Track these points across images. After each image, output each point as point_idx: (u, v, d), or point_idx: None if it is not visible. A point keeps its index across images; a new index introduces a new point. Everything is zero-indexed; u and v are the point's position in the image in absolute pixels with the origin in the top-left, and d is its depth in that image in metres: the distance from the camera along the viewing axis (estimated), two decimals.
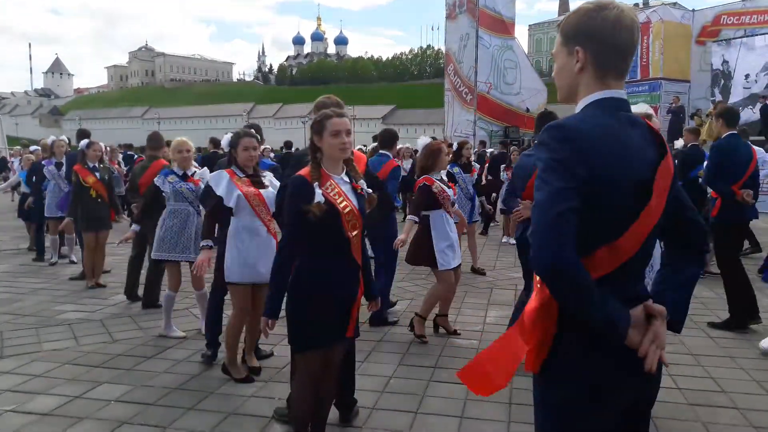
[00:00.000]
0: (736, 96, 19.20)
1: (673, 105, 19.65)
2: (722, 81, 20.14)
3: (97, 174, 7.68)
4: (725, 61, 20.01)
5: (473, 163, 9.23)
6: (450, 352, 5.28)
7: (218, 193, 4.39)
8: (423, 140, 6.02)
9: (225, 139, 4.63)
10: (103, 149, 7.99)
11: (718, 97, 19.77)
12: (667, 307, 1.74)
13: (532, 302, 1.78)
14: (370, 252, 9.16)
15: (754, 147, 6.72)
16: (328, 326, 3.07)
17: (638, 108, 3.57)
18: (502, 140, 19.31)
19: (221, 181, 4.43)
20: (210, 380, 4.64)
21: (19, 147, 17.98)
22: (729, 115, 6.02)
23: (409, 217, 5.70)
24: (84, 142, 7.90)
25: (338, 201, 3.02)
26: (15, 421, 3.94)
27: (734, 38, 20.61)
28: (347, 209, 3.03)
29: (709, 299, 6.82)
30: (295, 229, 3.03)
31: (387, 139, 6.54)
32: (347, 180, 3.16)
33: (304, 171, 3.08)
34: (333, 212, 2.98)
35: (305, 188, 2.99)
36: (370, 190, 3.29)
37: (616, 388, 1.71)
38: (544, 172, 1.65)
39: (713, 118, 6.25)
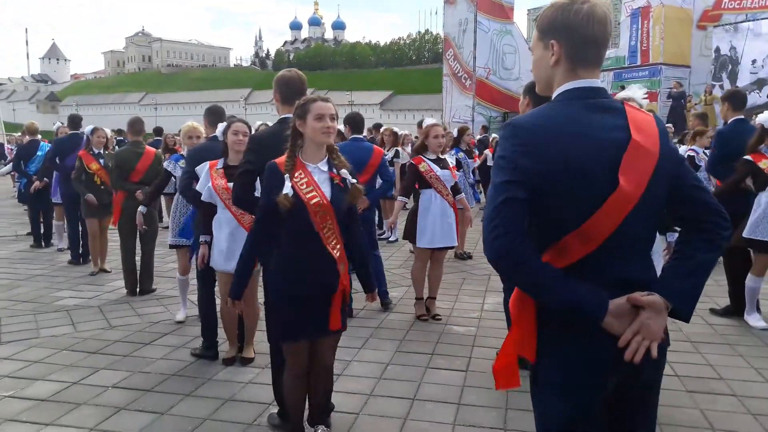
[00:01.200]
0: (742, 81, 19.23)
1: (674, 90, 19.58)
2: (730, 66, 20.04)
3: (101, 161, 7.59)
4: (733, 47, 19.91)
5: (473, 149, 9.27)
6: (447, 339, 5.28)
7: (197, 187, 4.44)
8: (427, 121, 6.05)
9: (220, 129, 4.56)
10: (108, 136, 7.90)
11: (726, 83, 19.72)
12: (672, 296, 1.74)
13: (514, 292, 1.85)
14: (385, 234, 9.31)
15: None
16: (303, 319, 3.03)
17: (625, 92, 3.55)
18: (501, 125, 19.21)
19: (201, 173, 4.47)
20: (207, 366, 4.64)
21: (18, 134, 17.84)
22: (735, 99, 5.93)
23: (399, 198, 5.86)
24: (89, 128, 7.85)
25: (306, 192, 2.92)
26: (13, 406, 3.95)
27: (735, 23, 20.49)
28: (314, 200, 2.93)
29: (707, 286, 6.79)
30: (266, 217, 3.02)
31: (359, 123, 6.51)
32: (325, 169, 3.04)
33: (279, 159, 3.02)
34: (299, 204, 2.90)
35: (276, 177, 2.95)
36: (355, 180, 3.11)
37: (595, 369, 1.74)
38: (493, 169, 1.78)
39: (720, 100, 6.15)
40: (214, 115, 5.23)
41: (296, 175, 2.94)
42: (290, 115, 3.18)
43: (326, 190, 2.98)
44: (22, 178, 9.75)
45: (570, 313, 1.68)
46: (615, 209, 1.70)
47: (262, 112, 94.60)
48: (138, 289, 6.83)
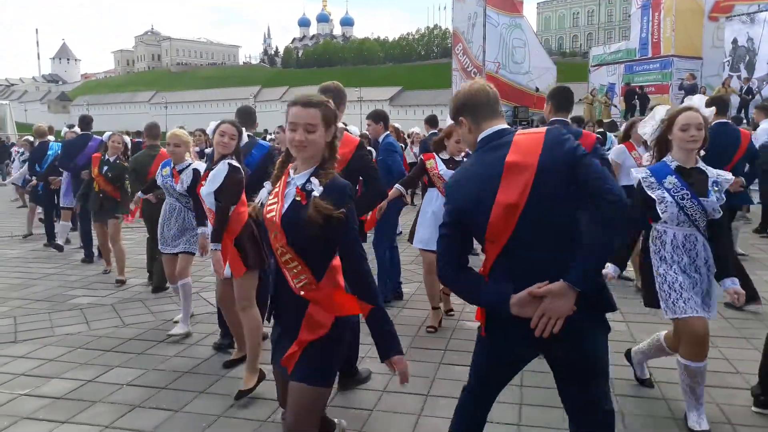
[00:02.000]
0: (760, 71, 19.07)
1: (687, 82, 19.41)
2: (747, 57, 19.84)
3: (105, 167, 7.43)
4: (750, 38, 19.71)
5: None
6: (460, 335, 5.26)
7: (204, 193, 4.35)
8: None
9: (210, 127, 4.36)
10: (124, 142, 7.73)
11: (744, 74, 19.54)
12: (570, 278, 2.17)
13: None
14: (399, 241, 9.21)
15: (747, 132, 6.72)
16: (276, 346, 2.61)
17: (687, 102, 3.61)
18: (511, 120, 19.13)
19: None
20: (221, 364, 4.65)
21: (29, 137, 17.79)
22: (719, 105, 6.22)
23: (396, 185, 5.48)
24: (107, 134, 7.83)
25: (269, 203, 2.49)
26: (30, 405, 3.98)
27: (749, 13, 20.28)
28: (269, 215, 2.46)
29: None
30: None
31: (385, 119, 6.54)
32: (300, 182, 2.44)
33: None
34: (259, 217, 2.55)
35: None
36: (318, 192, 2.36)
37: (510, 342, 2.39)
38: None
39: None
40: (244, 115, 5.25)
41: (277, 184, 2.54)
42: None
43: (286, 204, 2.43)
44: (40, 181, 9.82)
45: (489, 308, 2.37)
46: (502, 217, 2.24)
47: (272, 110, 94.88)
48: (152, 287, 6.91)
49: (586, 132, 5.38)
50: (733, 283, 3.43)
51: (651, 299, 3.62)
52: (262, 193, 2.57)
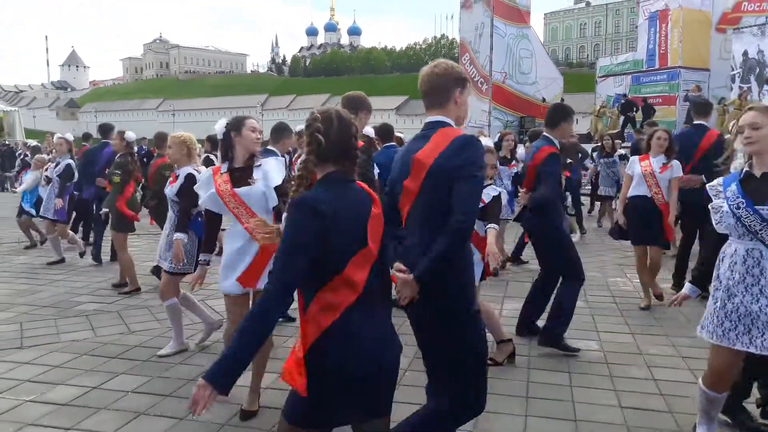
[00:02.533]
0: None
1: (692, 93, 19.38)
2: (758, 69, 19.78)
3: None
4: (760, 50, 19.66)
5: (514, 155, 8.72)
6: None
7: (198, 192, 4.02)
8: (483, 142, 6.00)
9: (219, 125, 3.98)
10: (126, 140, 7.76)
11: (755, 86, 19.48)
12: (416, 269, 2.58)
13: None
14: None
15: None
16: None
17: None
18: (518, 131, 19.07)
19: (202, 179, 4.07)
20: None
21: (35, 143, 17.64)
22: (697, 107, 6.97)
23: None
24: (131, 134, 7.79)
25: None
26: (34, 411, 3.98)
27: (756, 25, 20.25)
28: None
29: None
30: None
31: (390, 132, 6.64)
32: None
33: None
34: None
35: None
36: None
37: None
38: None
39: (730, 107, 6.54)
40: (277, 132, 5.38)
41: None
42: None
43: None
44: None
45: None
46: (404, 199, 2.75)
47: (279, 118, 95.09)
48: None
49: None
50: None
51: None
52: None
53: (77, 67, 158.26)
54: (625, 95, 22.92)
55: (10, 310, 6.38)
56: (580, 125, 29.01)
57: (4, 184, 22.62)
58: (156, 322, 5.96)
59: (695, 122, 6.83)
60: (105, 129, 9.10)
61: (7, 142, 25.58)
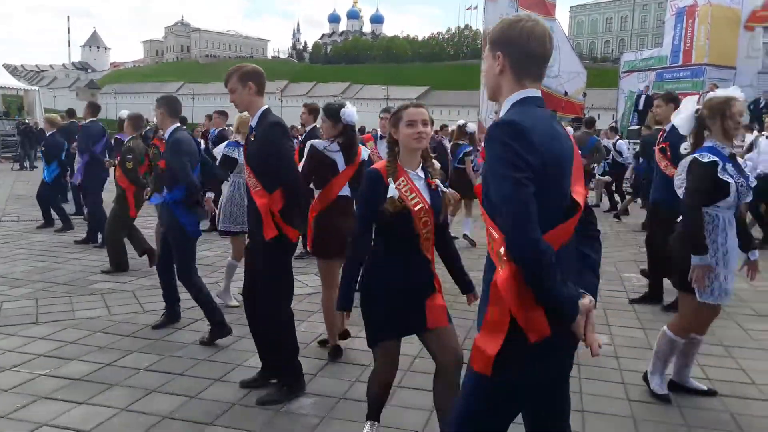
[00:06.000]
0: None
1: (709, 92, 19.11)
2: None
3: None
4: None
5: None
6: (475, 333, 5.23)
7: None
8: (472, 126, 6.01)
9: (350, 114, 4.47)
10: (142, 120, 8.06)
11: None
12: (590, 289, 1.97)
13: (504, 272, 1.91)
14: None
15: None
16: (398, 319, 3.01)
17: (721, 92, 3.90)
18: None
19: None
20: (238, 352, 4.70)
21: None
22: (678, 102, 6.42)
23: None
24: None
25: (410, 198, 2.96)
26: (48, 384, 4.05)
27: None
28: (418, 206, 2.96)
29: (743, 291, 6.60)
30: (367, 222, 3.05)
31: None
32: (422, 176, 3.06)
33: (380, 164, 3.06)
34: (405, 209, 2.94)
35: (378, 183, 2.97)
36: (448, 189, 3.14)
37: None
38: (502, 165, 1.85)
39: (661, 101, 6.34)
40: (172, 104, 5.15)
41: (399, 181, 2.97)
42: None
43: (426, 196, 3.01)
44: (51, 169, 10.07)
45: (558, 307, 1.83)
46: (576, 219, 1.99)
47: (298, 105, 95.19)
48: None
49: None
50: (754, 256, 3.84)
51: (683, 282, 3.77)
52: (391, 190, 2.92)
53: (98, 48, 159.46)
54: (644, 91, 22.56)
55: (26, 287, 6.48)
56: (602, 121, 28.66)
57: (23, 162, 22.84)
58: None
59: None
60: (95, 107, 9.35)
61: (27, 121, 25.81)
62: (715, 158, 3.65)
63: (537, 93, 2.04)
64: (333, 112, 4.47)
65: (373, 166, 3.09)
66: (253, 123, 3.86)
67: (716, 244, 3.69)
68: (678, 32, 22.91)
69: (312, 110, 6.79)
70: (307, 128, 7.04)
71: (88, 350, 4.69)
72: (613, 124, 18.77)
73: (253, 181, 3.81)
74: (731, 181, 3.63)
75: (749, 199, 3.81)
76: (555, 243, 1.88)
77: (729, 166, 3.67)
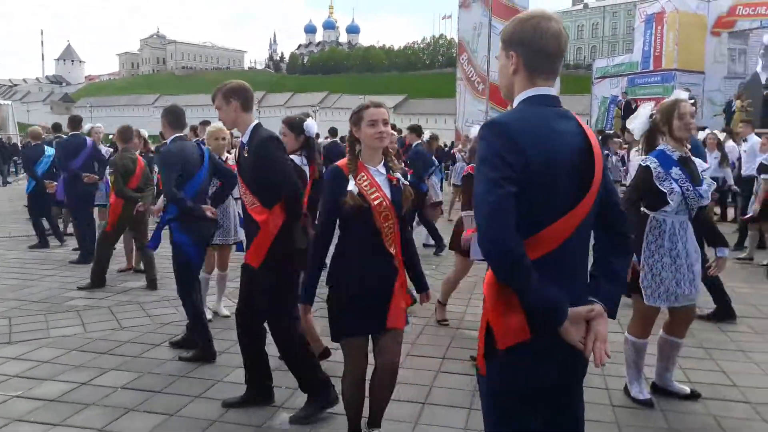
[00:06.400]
0: None
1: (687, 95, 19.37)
2: None
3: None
4: None
5: None
6: (459, 343, 5.24)
7: None
8: (475, 129, 6.02)
9: (311, 126, 4.51)
10: (141, 137, 8.04)
11: None
12: (607, 301, 1.94)
13: (489, 272, 1.95)
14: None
15: None
16: (362, 316, 3.07)
17: (675, 95, 3.97)
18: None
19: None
20: (217, 368, 4.63)
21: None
22: None
23: (463, 212, 5.50)
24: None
25: (370, 192, 3.03)
26: (21, 407, 3.95)
27: (750, 29, 20.31)
28: (377, 200, 3.04)
29: (744, 292, 6.64)
30: (329, 220, 3.12)
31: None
32: (383, 172, 3.14)
33: (341, 162, 3.13)
34: (365, 203, 3.01)
35: (340, 179, 3.05)
36: (407, 182, 3.22)
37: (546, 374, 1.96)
38: (482, 164, 1.86)
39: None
40: (175, 115, 5.03)
41: (359, 177, 3.05)
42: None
43: (387, 191, 3.09)
44: (33, 181, 9.79)
45: (541, 312, 1.82)
46: (581, 212, 1.90)
47: (276, 115, 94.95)
48: (146, 284, 7.14)
49: None
50: (722, 253, 3.91)
51: (632, 284, 3.79)
52: (350, 186, 2.99)
53: (72, 61, 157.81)
54: (625, 93, 22.82)
55: (0, 305, 6.33)
56: None
57: None
58: (147, 318, 5.93)
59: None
60: (77, 121, 9.16)
61: None
62: (649, 163, 3.72)
63: (548, 91, 1.99)
64: (297, 126, 4.47)
65: (335, 163, 3.15)
66: (245, 139, 3.81)
67: (663, 249, 3.73)
68: (648, 38, 23.32)
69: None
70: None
71: (64, 369, 4.59)
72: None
73: (249, 198, 3.74)
74: (673, 187, 3.65)
75: (704, 203, 3.79)
76: (550, 243, 1.87)
77: (675, 171, 3.69)
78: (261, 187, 3.70)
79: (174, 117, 4.98)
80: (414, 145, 9.35)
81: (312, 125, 4.53)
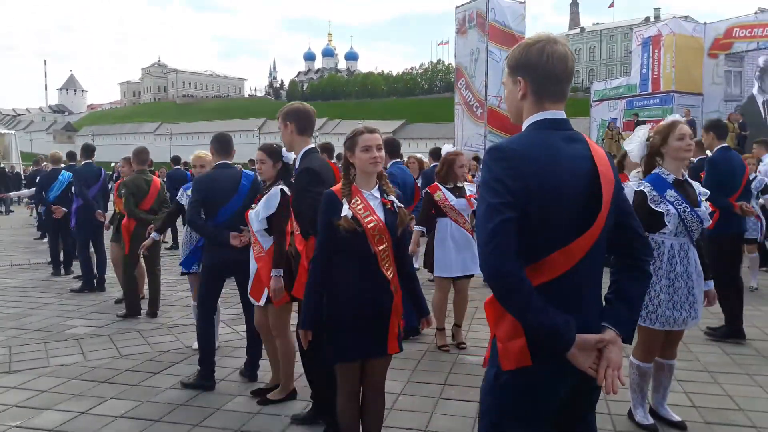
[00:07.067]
0: None
1: (684, 118, 19.46)
2: None
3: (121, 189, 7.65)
4: None
5: None
6: (459, 369, 5.20)
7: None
8: (446, 148, 6.06)
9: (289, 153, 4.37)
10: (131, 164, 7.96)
11: None
12: (621, 327, 1.92)
13: (490, 295, 1.97)
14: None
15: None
16: (357, 339, 3.06)
17: (670, 118, 3.94)
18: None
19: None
20: (216, 396, 4.59)
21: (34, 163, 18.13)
22: (719, 129, 6.24)
23: (415, 227, 5.75)
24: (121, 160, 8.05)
25: (364, 216, 3.04)
26: None
27: (747, 50, 20.48)
28: (372, 224, 3.04)
29: (748, 313, 6.61)
30: (326, 243, 3.12)
31: (396, 147, 6.67)
32: (377, 195, 3.16)
33: (336, 187, 3.17)
34: (359, 226, 3.01)
35: (334, 203, 3.07)
36: (401, 205, 3.22)
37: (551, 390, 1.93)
38: (483, 189, 1.90)
39: (703, 131, 6.29)
40: (221, 143, 5.06)
41: (353, 201, 3.07)
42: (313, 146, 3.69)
43: (381, 214, 3.10)
44: (44, 207, 9.83)
45: (543, 337, 1.81)
46: (590, 237, 1.88)
47: (276, 142, 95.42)
48: (147, 312, 7.06)
49: None
50: (708, 286, 3.86)
51: None
52: (344, 210, 3.01)
53: (75, 91, 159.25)
54: (636, 114, 22.92)
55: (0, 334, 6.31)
56: None
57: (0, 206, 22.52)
58: (147, 346, 5.90)
59: (723, 145, 6.10)
60: (90, 150, 9.19)
61: (2, 165, 25.55)
62: (643, 188, 3.73)
63: (557, 114, 1.99)
64: (275, 153, 4.36)
65: (330, 188, 3.18)
66: (297, 164, 3.89)
67: (661, 271, 3.70)
68: (645, 61, 23.51)
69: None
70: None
71: (63, 398, 4.56)
72: None
73: (295, 224, 3.83)
74: (669, 209, 3.65)
75: (705, 225, 3.77)
76: (557, 268, 1.87)
77: (671, 193, 3.68)
78: (296, 216, 3.81)
79: (220, 144, 5.04)
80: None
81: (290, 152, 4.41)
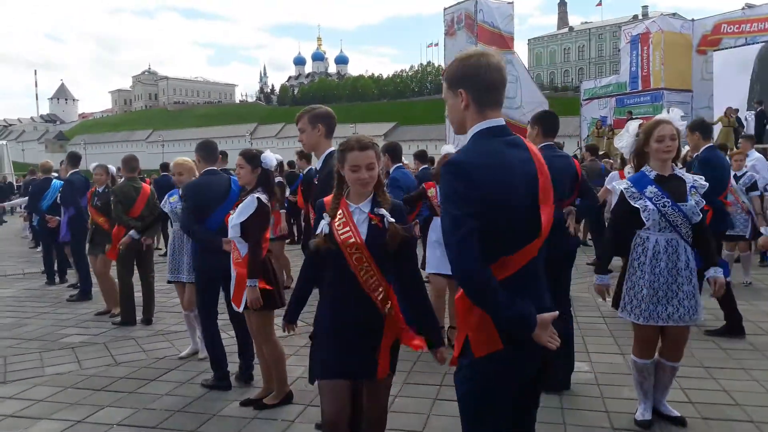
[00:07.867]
0: None
1: (682, 117, 19.49)
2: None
3: (95, 198, 7.60)
4: None
5: None
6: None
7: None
8: (446, 148, 6.10)
9: (269, 159, 4.35)
10: (109, 173, 7.80)
11: None
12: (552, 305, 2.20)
13: (459, 292, 2.19)
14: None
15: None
16: (342, 357, 2.86)
17: (663, 115, 3.93)
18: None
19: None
20: (212, 402, 4.58)
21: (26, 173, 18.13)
22: (704, 128, 6.32)
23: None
24: (91, 166, 7.92)
25: (341, 232, 2.85)
26: None
27: (735, 46, 20.62)
28: (349, 240, 2.83)
29: (744, 310, 6.63)
30: (311, 255, 3.07)
31: (398, 151, 6.70)
32: (366, 210, 2.89)
33: (328, 197, 3.01)
34: (333, 244, 2.86)
35: (318, 216, 2.98)
36: (393, 220, 2.86)
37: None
38: (445, 202, 2.09)
39: (688, 131, 6.24)
40: (206, 150, 5.05)
41: (338, 215, 2.90)
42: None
43: (362, 230, 2.85)
44: (37, 216, 9.77)
45: (512, 326, 2.05)
46: (545, 232, 2.12)
47: (269, 146, 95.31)
48: (142, 318, 7.03)
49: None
50: (715, 272, 3.72)
51: (616, 301, 3.94)
52: (322, 225, 2.88)
53: (66, 100, 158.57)
54: (630, 112, 22.99)
55: None
56: (567, 148, 29.23)
57: None
58: (142, 353, 5.88)
59: (709, 145, 6.20)
60: (76, 158, 9.11)
61: None
62: (623, 186, 3.82)
63: (498, 122, 2.17)
64: (254, 158, 4.32)
65: (323, 198, 3.05)
66: (318, 165, 3.82)
67: (645, 266, 3.72)
68: (634, 59, 23.63)
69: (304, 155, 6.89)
70: (303, 171, 7.23)
71: (59, 407, 4.54)
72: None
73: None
74: (647, 204, 3.67)
75: (695, 220, 3.69)
76: (515, 265, 2.10)
77: (650, 189, 3.70)
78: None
79: (205, 151, 5.03)
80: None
81: (270, 158, 4.36)
